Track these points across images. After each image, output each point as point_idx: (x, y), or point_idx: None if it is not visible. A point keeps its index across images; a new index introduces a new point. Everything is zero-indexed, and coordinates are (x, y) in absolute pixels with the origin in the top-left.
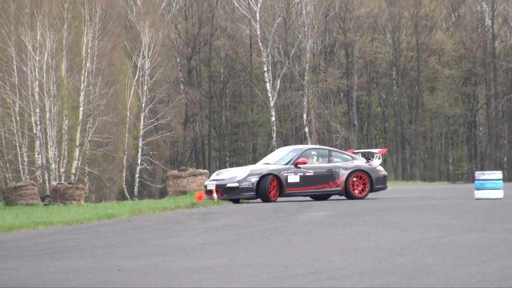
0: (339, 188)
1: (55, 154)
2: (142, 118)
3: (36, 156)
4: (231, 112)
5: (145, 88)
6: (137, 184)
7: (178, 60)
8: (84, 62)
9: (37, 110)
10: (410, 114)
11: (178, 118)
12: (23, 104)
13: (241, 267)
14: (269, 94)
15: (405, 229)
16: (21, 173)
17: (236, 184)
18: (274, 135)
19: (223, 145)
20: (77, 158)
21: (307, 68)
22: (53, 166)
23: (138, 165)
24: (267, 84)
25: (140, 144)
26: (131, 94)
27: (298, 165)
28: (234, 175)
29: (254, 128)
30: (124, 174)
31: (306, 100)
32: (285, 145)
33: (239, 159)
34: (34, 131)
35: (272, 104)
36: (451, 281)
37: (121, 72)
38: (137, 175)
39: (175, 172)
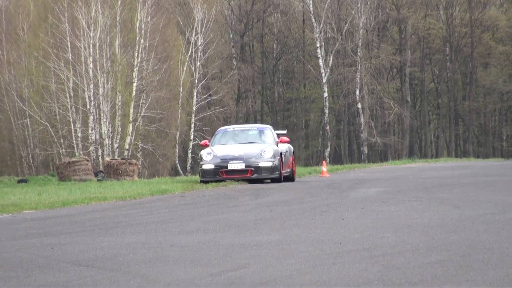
0: (290, 169)
1: (108, 129)
2: (195, 94)
3: (89, 131)
4: (284, 88)
5: (198, 64)
6: (190, 160)
7: (231, 36)
8: (137, 38)
9: (91, 86)
10: (464, 90)
11: (230, 94)
12: (77, 80)
13: (294, 243)
14: (322, 70)
15: (458, 205)
16: (75, 148)
17: (269, 164)
18: (327, 111)
19: (275, 121)
20: (130, 134)
21: (360, 44)
22: (106, 141)
23: (191, 141)
24: (320, 60)
25: (193, 120)
26: (184, 70)
27: (278, 144)
28: (249, 153)
29: (306, 104)
30: (177, 150)
31: (359, 76)
32: (337, 121)
33: (292, 135)
34: (88, 107)
35: (324, 80)
36: (505, 258)
37: (174, 48)
38: (189, 151)
39: None
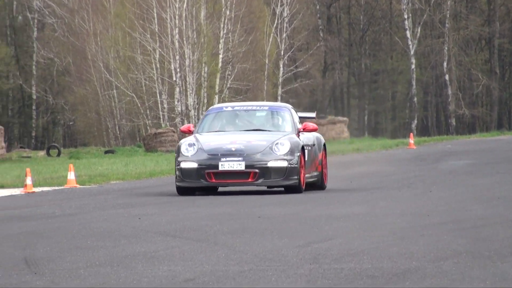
0: (318, 172)
1: (194, 101)
2: (281, 66)
3: (175, 103)
4: (371, 60)
5: (284, 35)
6: None
7: (317, 7)
8: (223, 9)
9: (177, 57)
10: None
11: (317, 65)
12: (163, 51)
13: (381, 215)
14: (409, 42)
15: None
16: (161, 120)
17: (283, 163)
18: (414, 83)
19: (362, 93)
20: None
21: (448, 15)
22: (192, 112)
23: None
24: (407, 32)
25: (279, 92)
26: (270, 42)
27: (299, 134)
28: (253, 145)
29: (393, 75)
30: None
31: (446, 48)
32: (425, 93)
33: (378, 106)
34: (174, 78)
35: (412, 52)
36: None
37: (260, 20)
38: None
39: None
